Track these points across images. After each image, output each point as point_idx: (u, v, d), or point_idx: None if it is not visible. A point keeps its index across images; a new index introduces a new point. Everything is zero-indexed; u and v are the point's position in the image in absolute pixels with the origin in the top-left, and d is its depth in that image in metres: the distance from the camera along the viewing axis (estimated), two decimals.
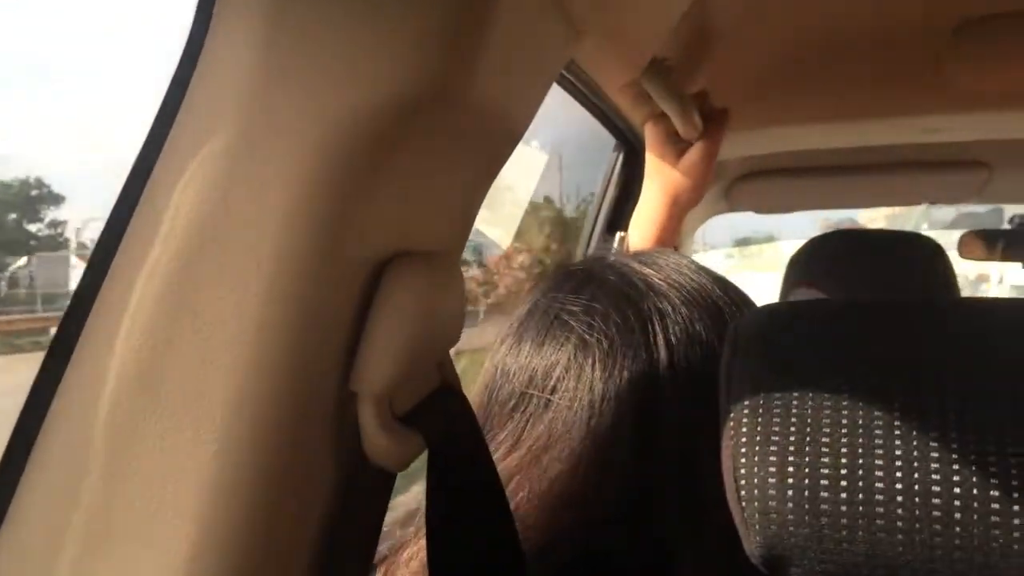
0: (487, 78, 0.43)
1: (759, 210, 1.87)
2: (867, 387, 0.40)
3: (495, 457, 0.51)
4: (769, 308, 0.46)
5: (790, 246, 1.32)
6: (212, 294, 0.36)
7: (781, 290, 1.27)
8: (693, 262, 0.60)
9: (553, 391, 0.52)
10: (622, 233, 1.01)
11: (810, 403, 0.40)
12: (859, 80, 1.18)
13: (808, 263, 1.25)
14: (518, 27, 0.44)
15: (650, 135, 0.98)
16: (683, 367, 0.52)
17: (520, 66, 0.49)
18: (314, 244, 0.36)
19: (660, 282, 0.56)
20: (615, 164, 1.38)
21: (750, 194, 1.77)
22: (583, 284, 0.57)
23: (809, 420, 0.40)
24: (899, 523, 0.37)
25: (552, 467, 0.50)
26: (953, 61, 1.11)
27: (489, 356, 0.57)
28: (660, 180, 0.97)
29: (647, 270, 0.57)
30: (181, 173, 0.36)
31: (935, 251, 1.22)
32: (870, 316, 0.43)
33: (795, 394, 0.40)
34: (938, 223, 3.70)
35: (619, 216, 1.34)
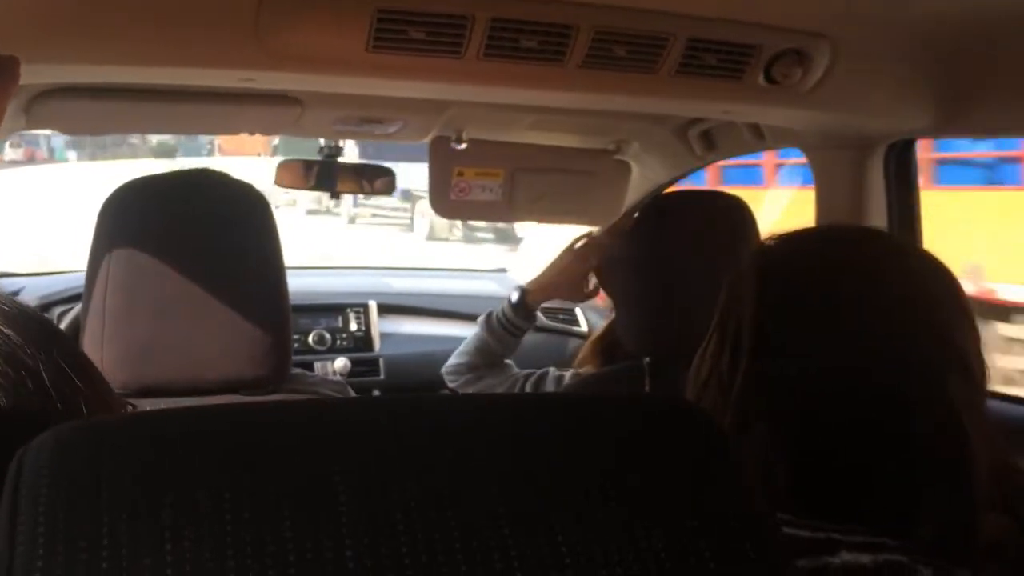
0: None
1: (66, 130, 1.67)
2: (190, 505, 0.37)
3: None
4: (67, 427, 0.41)
5: None
6: None
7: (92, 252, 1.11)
8: None
9: None
10: None
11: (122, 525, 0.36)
12: (172, 24, 1.09)
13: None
14: None
15: None
16: None
17: None
18: None
19: None
20: None
21: (54, 113, 1.55)
22: None
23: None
24: None
25: None
26: (266, 19, 1.09)
27: None
28: None
29: None
30: None
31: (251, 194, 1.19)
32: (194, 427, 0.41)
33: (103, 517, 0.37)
34: None
35: None
